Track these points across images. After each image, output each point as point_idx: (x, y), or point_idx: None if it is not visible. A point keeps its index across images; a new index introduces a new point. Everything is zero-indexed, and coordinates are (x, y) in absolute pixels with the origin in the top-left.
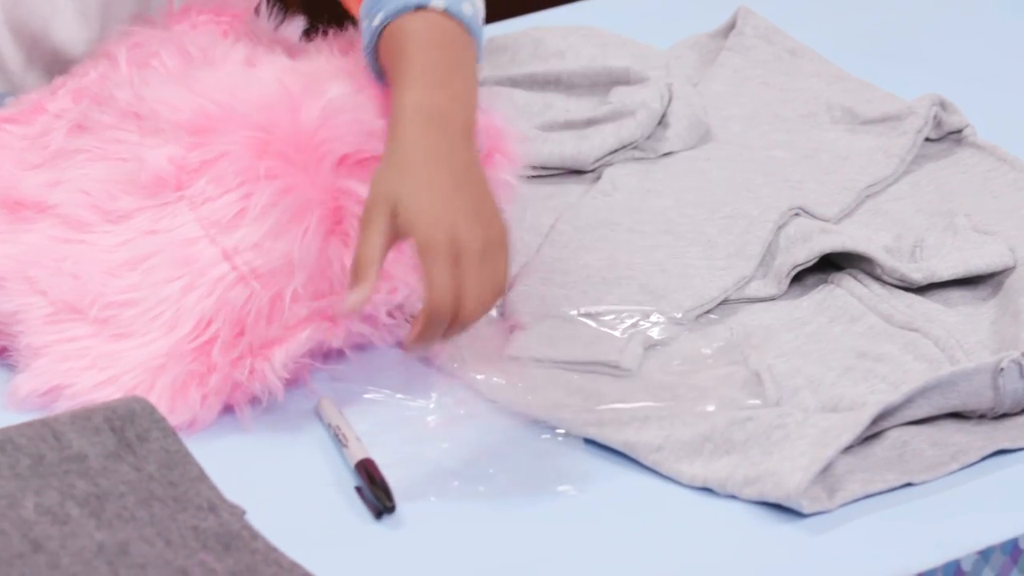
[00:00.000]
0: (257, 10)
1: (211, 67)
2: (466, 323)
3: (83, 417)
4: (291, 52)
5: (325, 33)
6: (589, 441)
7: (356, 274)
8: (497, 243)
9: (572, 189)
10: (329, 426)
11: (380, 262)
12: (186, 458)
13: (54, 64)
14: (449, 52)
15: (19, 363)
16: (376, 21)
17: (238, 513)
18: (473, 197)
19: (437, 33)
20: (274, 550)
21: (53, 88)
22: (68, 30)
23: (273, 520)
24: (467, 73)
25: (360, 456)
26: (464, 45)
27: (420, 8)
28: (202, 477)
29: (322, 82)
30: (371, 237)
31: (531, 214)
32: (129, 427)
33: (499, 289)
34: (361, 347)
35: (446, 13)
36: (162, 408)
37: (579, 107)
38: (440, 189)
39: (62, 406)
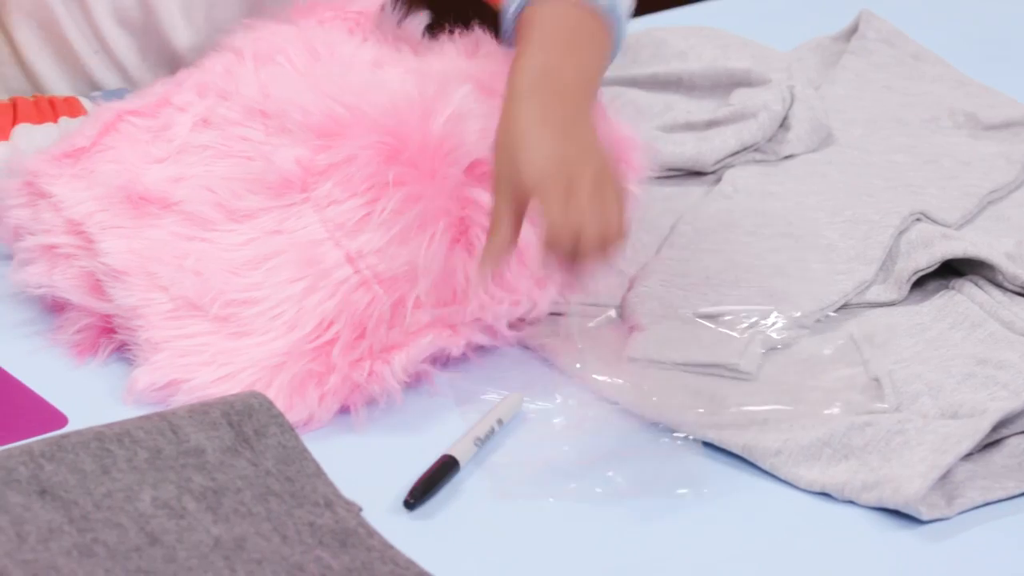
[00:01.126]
0: (382, 6)
1: (339, 67)
2: (589, 253)
3: (201, 411)
4: (417, 51)
5: (451, 32)
6: (708, 444)
7: (490, 232)
8: (608, 176)
9: (692, 190)
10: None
11: (511, 220)
12: (303, 454)
13: (169, 59)
14: (576, 34)
15: (138, 357)
16: (512, 8)
17: (354, 510)
18: (580, 140)
19: (569, 20)
20: (390, 547)
21: (178, 81)
22: (173, 23)
23: (385, 521)
24: (592, 52)
25: (449, 452)
26: (595, 33)
27: None
28: (319, 473)
29: (449, 87)
30: (498, 202)
31: (651, 215)
32: (247, 422)
33: (617, 223)
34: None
35: (579, 2)
36: (280, 405)
37: (700, 108)
38: (548, 134)
39: (179, 401)
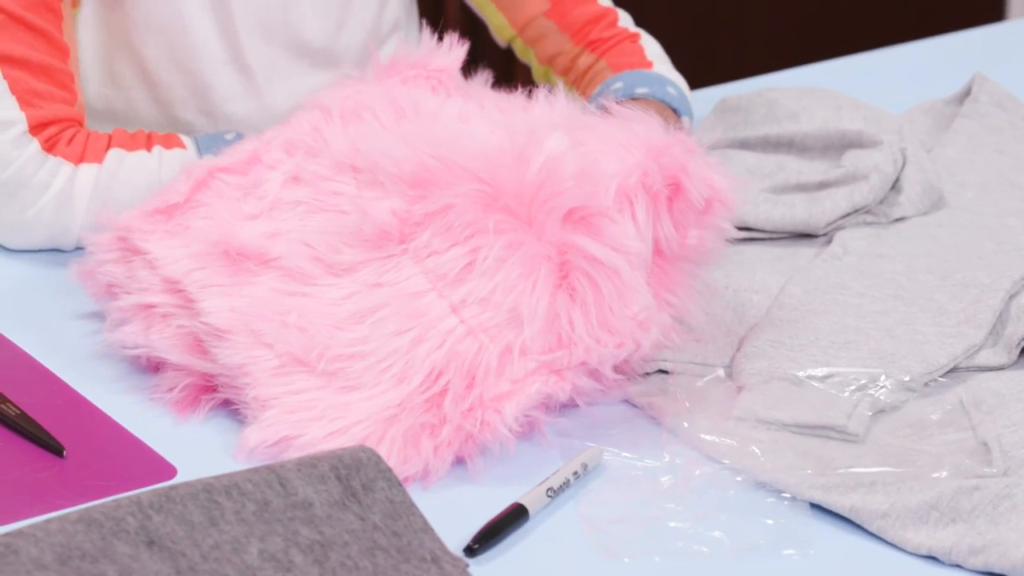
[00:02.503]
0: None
1: (426, 121)
2: None
3: (309, 465)
4: (499, 106)
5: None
6: (815, 505)
7: None
8: None
9: (803, 252)
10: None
11: None
12: (411, 509)
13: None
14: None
15: (247, 415)
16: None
17: (460, 566)
18: None
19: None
20: None
21: (266, 139)
22: (304, 17)
23: (500, 571)
24: None
25: (520, 501)
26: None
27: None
28: (426, 529)
29: (539, 134)
30: None
31: (760, 276)
32: (355, 476)
33: None
34: (590, 401)
35: (652, 99)
36: (394, 458)
37: (812, 169)
38: None
39: (291, 456)
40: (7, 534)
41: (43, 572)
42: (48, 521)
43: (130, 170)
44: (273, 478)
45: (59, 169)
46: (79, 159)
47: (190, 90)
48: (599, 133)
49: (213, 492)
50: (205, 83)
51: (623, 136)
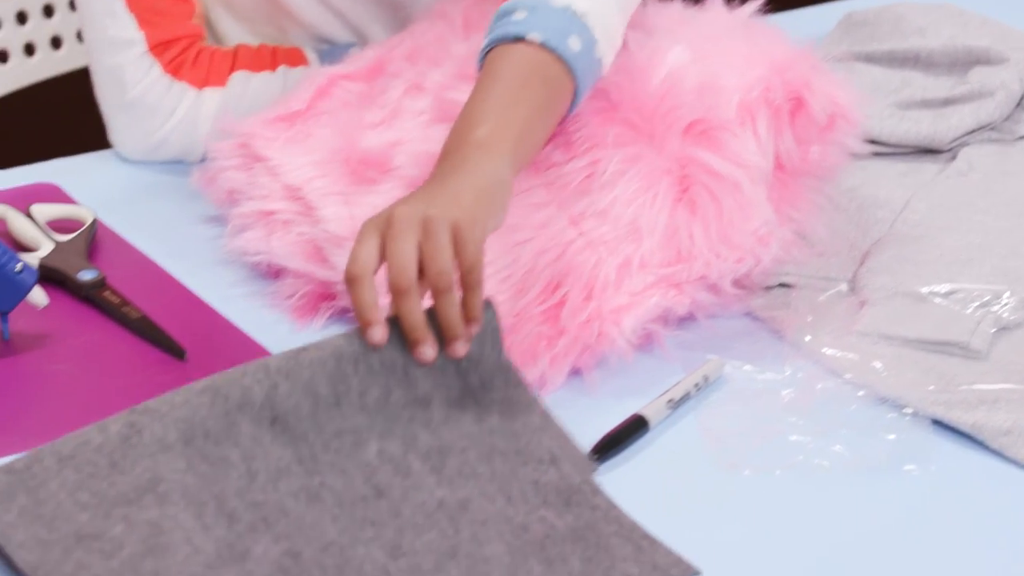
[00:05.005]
0: None
1: None
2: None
3: None
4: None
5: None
6: (937, 421)
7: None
8: (439, 221)
9: (927, 168)
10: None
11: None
12: (529, 407)
13: (394, 17)
14: (527, 90)
15: None
16: (484, 44)
17: (581, 465)
18: (445, 190)
19: (524, 69)
20: (615, 507)
21: (389, 47)
22: None
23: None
24: (535, 106)
25: (641, 412)
26: (554, 80)
27: (518, 39)
28: (544, 427)
29: (662, 48)
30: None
31: (885, 191)
32: (473, 372)
33: (436, 262)
34: (711, 315)
35: (544, 47)
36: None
37: (937, 86)
38: (424, 189)
39: None
40: (133, 411)
41: (167, 454)
42: (174, 393)
43: (255, 93)
44: (398, 360)
45: (183, 94)
46: (203, 83)
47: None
48: (722, 47)
49: (341, 360)
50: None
51: (746, 50)
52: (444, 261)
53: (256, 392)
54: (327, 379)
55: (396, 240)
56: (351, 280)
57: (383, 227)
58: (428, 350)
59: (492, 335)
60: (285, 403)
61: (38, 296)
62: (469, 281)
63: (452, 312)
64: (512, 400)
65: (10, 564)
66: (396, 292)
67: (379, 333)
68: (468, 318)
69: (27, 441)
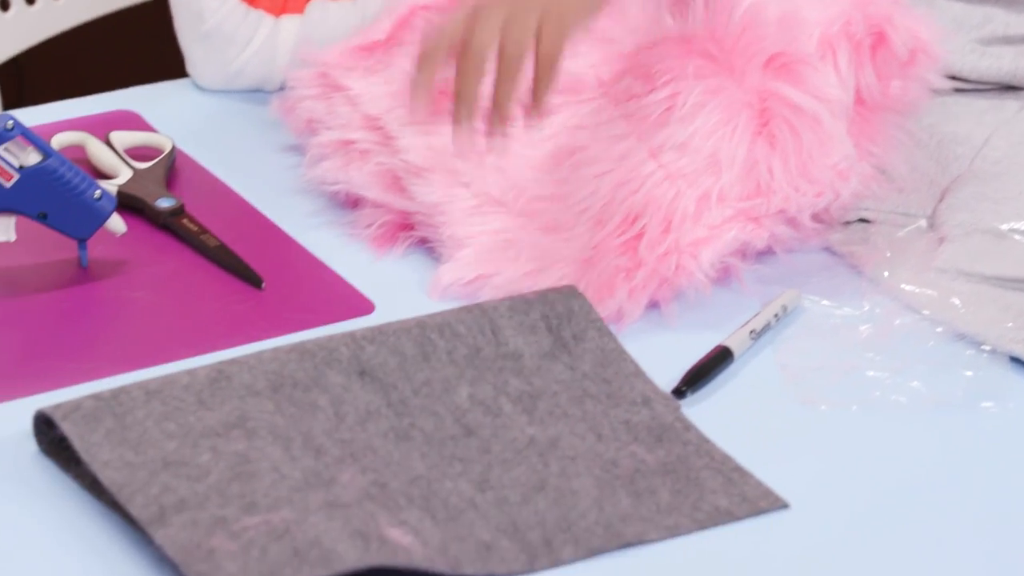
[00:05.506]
0: None
1: None
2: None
3: (521, 311)
4: None
5: None
6: (1015, 358)
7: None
8: (531, 6)
9: (1008, 104)
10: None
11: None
12: (621, 356)
13: None
14: None
15: (442, 253)
16: None
17: (672, 406)
18: None
19: None
20: (706, 441)
21: None
22: None
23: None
24: None
25: (725, 343)
26: None
27: None
28: (637, 373)
29: None
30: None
31: (965, 127)
32: (566, 327)
33: (520, 40)
34: (789, 249)
35: None
36: (589, 300)
37: (1019, 22)
38: None
39: (485, 295)
40: (220, 362)
41: (256, 398)
42: (261, 351)
43: (333, 21)
44: (485, 323)
45: (260, 22)
46: (280, 10)
47: None
48: None
49: (426, 328)
50: None
51: None
52: (519, 43)
53: (343, 351)
54: (412, 342)
55: (480, 16)
56: (422, 52)
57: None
58: (467, 126)
59: (582, 305)
60: (372, 361)
61: (116, 223)
62: (542, 68)
63: (505, 90)
64: (605, 349)
65: (93, 486)
66: (461, 63)
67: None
68: (530, 105)
69: (105, 367)
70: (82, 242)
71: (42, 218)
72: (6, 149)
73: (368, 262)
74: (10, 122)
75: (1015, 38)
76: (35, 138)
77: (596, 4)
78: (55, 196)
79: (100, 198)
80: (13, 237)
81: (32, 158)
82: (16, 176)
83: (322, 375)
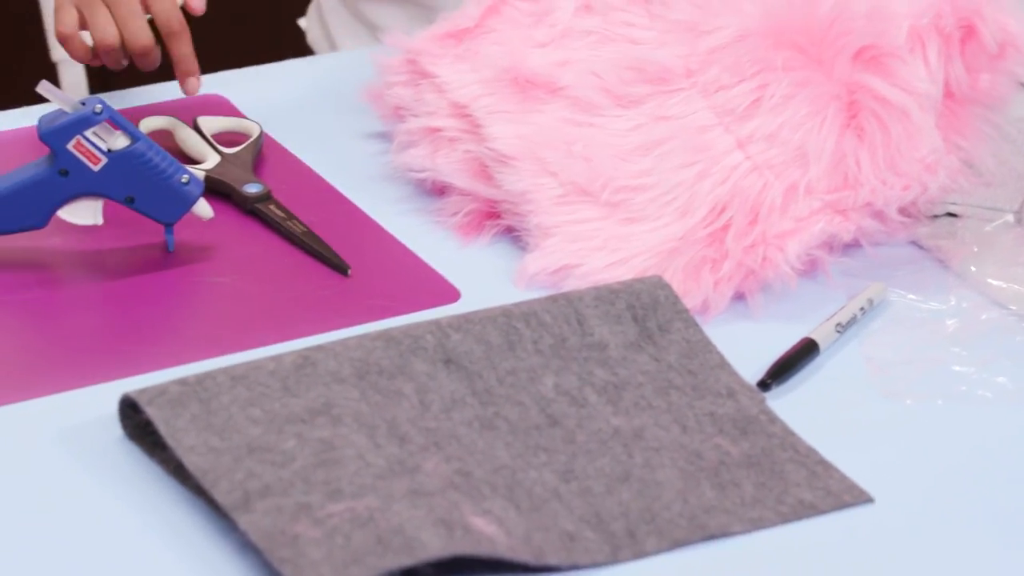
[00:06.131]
0: None
1: None
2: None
3: (607, 301)
4: None
5: None
6: None
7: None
8: None
9: None
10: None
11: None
12: (707, 347)
13: None
14: None
15: (527, 242)
16: None
17: (757, 398)
18: None
19: None
20: (791, 434)
21: None
22: None
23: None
24: None
25: (811, 336)
26: None
27: None
28: (723, 365)
29: None
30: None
31: None
32: (651, 317)
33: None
34: (875, 242)
35: None
36: (674, 290)
37: None
38: None
39: (570, 285)
40: (306, 348)
41: (341, 385)
42: (347, 338)
43: None
44: (571, 313)
45: None
46: None
47: None
48: None
49: (512, 318)
50: None
51: None
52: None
53: (429, 339)
54: (498, 331)
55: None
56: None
57: None
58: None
59: (667, 295)
60: (457, 349)
61: (203, 208)
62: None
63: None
64: (690, 341)
65: (177, 471)
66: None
67: None
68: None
69: (191, 352)
70: (169, 227)
71: (129, 202)
72: (94, 133)
73: (454, 250)
74: (98, 106)
75: None
76: (123, 122)
77: None
78: (142, 180)
79: (188, 183)
80: (100, 221)
81: (120, 142)
82: (104, 160)
83: (407, 363)
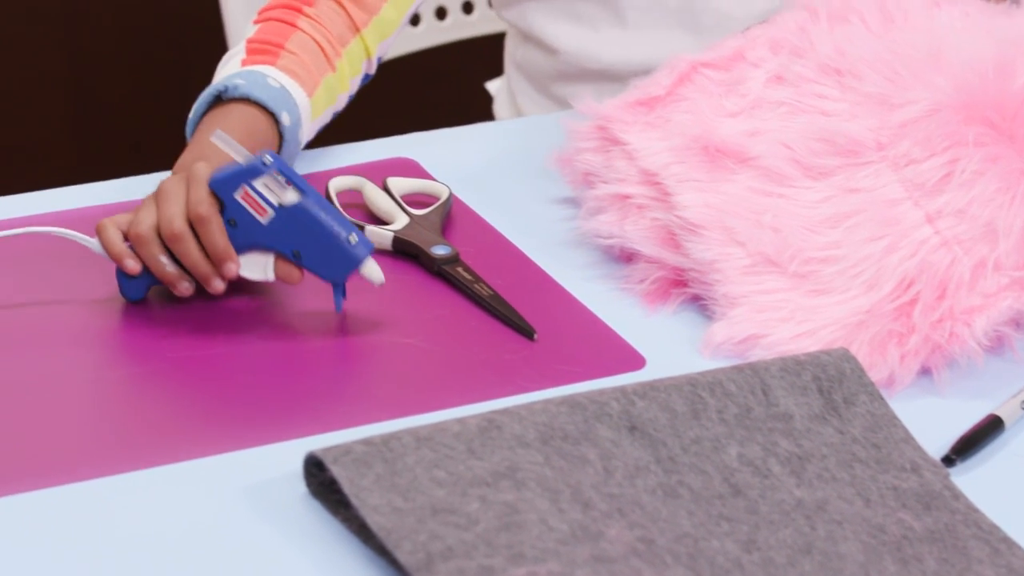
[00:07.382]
0: None
1: (912, 29)
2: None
3: (793, 372)
4: (991, 16)
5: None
6: None
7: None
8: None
9: None
10: None
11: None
12: (892, 421)
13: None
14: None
15: (714, 311)
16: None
17: (942, 473)
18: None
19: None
20: (975, 511)
21: (751, 37)
22: None
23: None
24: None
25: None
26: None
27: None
28: (907, 439)
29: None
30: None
31: None
32: (836, 389)
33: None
34: None
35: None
36: (860, 363)
37: None
38: None
39: (757, 355)
40: (491, 411)
41: (525, 449)
42: (532, 402)
43: None
44: (756, 383)
45: None
46: None
47: None
48: None
49: (697, 386)
50: None
51: None
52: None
53: (614, 406)
54: (683, 399)
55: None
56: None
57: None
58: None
59: (853, 368)
60: (642, 416)
61: (374, 272)
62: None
63: (191, 260)
64: (875, 414)
65: (361, 530)
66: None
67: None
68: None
69: (376, 412)
70: (337, 286)
71: (296, 257)
72: (263, 184)
73: (640, 317)
74: (268, 157)
75: None
76: (294, 176)
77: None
78: (309, 236)
79: (355, 243)
80: (272, 277)
81: (289, 196)
82: (271, 213)
83: (592, 429)
